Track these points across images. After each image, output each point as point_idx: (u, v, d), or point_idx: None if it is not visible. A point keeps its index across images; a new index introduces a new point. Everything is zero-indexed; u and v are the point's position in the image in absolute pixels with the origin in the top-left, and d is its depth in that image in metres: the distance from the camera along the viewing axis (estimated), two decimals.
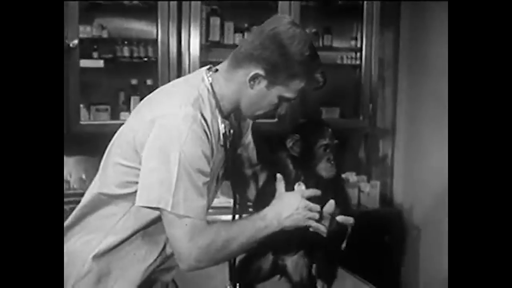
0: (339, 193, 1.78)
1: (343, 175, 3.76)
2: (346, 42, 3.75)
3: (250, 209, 1.86)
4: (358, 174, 3.87)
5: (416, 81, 3.70)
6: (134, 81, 3.41)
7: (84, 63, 3.21)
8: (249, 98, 1.65)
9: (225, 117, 1.69)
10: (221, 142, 1.67)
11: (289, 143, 1.77)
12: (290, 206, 1.66)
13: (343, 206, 1.75)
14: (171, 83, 1.80)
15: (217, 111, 1.65)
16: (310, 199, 1.69)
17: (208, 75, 1.67)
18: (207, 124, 1.59)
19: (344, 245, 1.77)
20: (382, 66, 3.79)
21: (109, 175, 1.68)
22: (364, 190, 3.69)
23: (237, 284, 1.83)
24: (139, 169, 1.59)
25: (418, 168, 3.66)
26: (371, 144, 3.95)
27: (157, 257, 1.74)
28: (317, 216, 1.68)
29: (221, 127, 1.66)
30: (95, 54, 3.30)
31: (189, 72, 3.28)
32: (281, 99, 1.65)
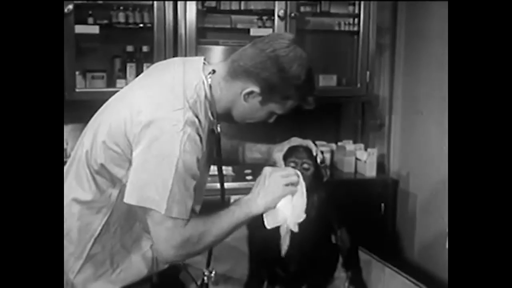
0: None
1: (340, 143, 3.77)
2: (344, 8, 3.70)
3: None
4: (355, 142, 3.85)
5: (414, 48, 3.67)
6: (130, 48, 3.37)
7: (79, 28, 3.17)
8: (241, 109, 1.71)
9: (217, 119, 1.73)
10: (212, 140, 1.73)
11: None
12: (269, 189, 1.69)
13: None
14: (169, 72, 1.72)
15: (210, 114, 1.68)
16: None
17: (208, 77, 1.68)
18: (201, 127, 1.62)
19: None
20: (380, 32, 3.75)
21: (98, 152, 1.66)
22: (361, 158, 3.68)
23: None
24: (129, 158, 1.61)
25: (416, 136, 3.65)
26: (368, 112, 3.93)
27: None
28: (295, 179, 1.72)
29: (216, 129, 1.72)
30: (90, 20, 3.26)
31: (185, 38, 3.27)
32: (272, 114, 1.73)
